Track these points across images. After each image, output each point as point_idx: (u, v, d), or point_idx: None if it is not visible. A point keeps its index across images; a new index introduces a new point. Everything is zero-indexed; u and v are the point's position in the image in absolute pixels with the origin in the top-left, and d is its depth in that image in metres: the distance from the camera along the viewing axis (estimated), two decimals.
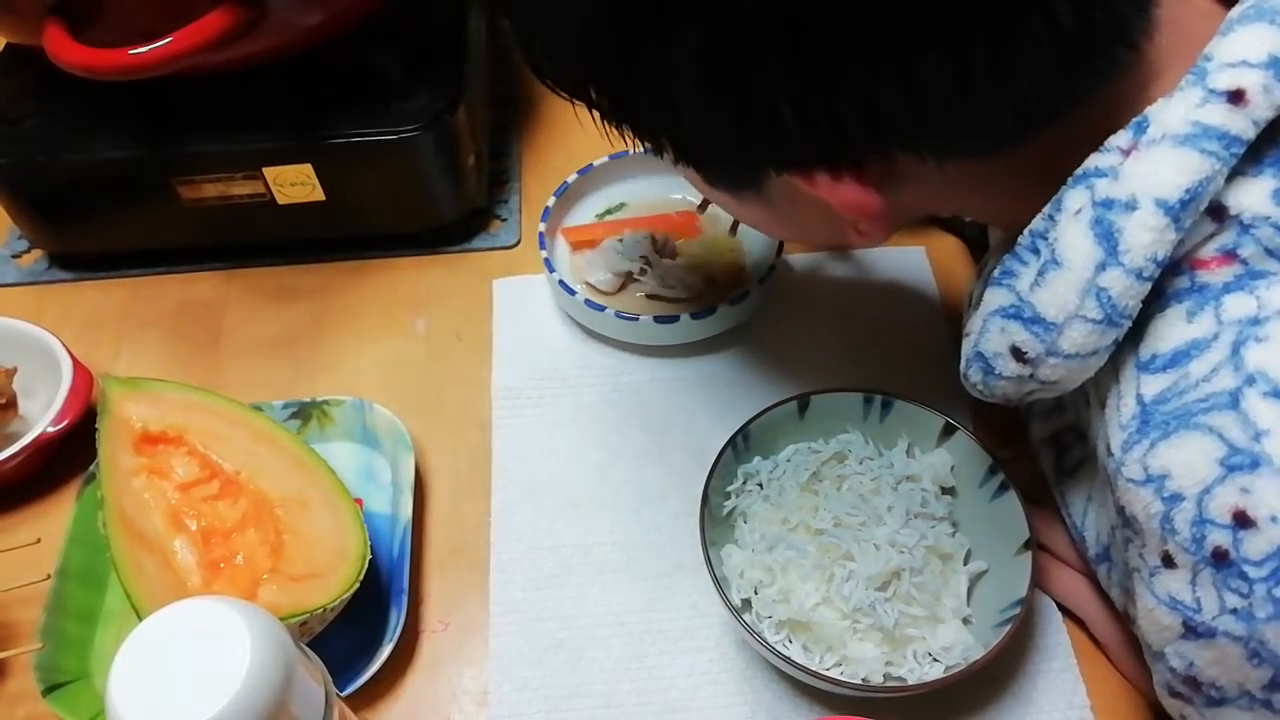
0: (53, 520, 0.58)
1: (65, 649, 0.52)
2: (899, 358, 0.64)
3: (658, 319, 0.63)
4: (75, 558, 0.55)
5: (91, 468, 0.57)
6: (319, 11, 0.61)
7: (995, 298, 0.42)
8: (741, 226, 0.70)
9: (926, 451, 0.56)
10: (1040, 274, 0.39)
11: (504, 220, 0.75)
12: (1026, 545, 0.50)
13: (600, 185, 0.73)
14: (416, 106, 0.65)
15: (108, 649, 0.53)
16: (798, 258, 0.71)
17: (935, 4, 0.34)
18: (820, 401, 0.56)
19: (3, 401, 0.59)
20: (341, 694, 0.42)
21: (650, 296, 0.67)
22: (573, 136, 0.80)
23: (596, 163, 0.72)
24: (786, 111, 0.38)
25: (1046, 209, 0.40)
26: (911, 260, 0.70)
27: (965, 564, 0.53)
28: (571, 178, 0.71)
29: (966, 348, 0.45)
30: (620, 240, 0.68)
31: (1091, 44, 0.37)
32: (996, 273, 0.42)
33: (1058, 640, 0.53)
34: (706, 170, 0.45)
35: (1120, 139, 0.38)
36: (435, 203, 0.70)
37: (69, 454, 0.60)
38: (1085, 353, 0.39)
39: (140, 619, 0.40)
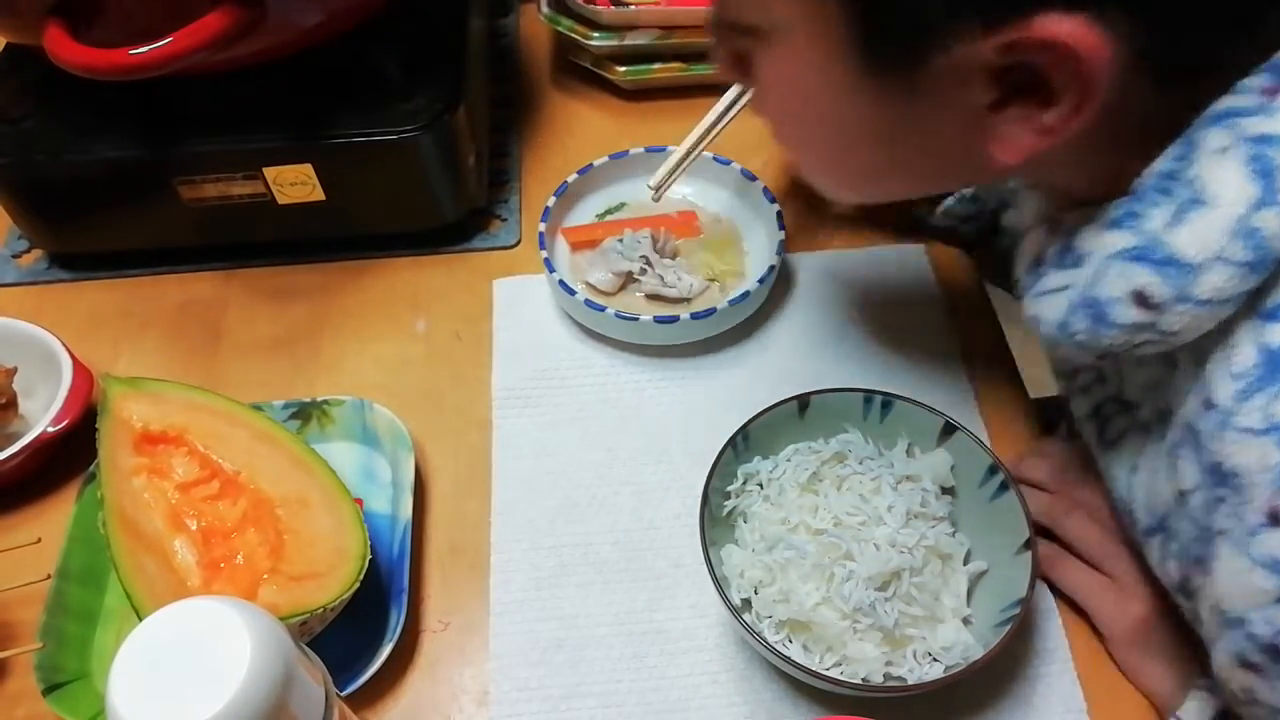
0: (53, 520, 0.58)
1: (65, 649, 0.52)
2: (899, 358, 0.64)
3: (658, 319, 0.63)
4: (75, 558, 0.55)
5: (91, 468, 0.57)
6: (319, 11, 0.61)
7: (1116, 239, 0.39)
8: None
9: (926, 451, 0.56)
10: (1180, 213, 0.37)
11: (504, 220, 0.75)
12: (1026, 545, 0.50)
13: (600, 185, 0.73)
14: (416, 106, 0.65)
15: (108, 649, 0.53)
16: (799, 257, 0.71)
17: None
18: (820, 401, 0.56)
19: (3, 401, 0.59)
20: (341, 694, 0.41)
21: (650, 296, 0.67)
22: (573, 136, 0.80)
23: (596, 163, 0.72)
24: None
25: (1171, 151, 0.38)
26: (911, 260, 0.71)
27: (965, 564, 0.53)
28: (571, 178, 0.71)
29: (1061, 298, 0.42)
30: (620, 240, 0.68)
31: None
32: (1117, 214, 0.40)
33: (1056, 644, 0.53)
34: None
35: (1255, 81, 0.37)
36: (435, 203, 0.70)
37: (69, 454, 0.60)
38: (1220, 299, 0.37)
39: (140, 619, 0.40)
